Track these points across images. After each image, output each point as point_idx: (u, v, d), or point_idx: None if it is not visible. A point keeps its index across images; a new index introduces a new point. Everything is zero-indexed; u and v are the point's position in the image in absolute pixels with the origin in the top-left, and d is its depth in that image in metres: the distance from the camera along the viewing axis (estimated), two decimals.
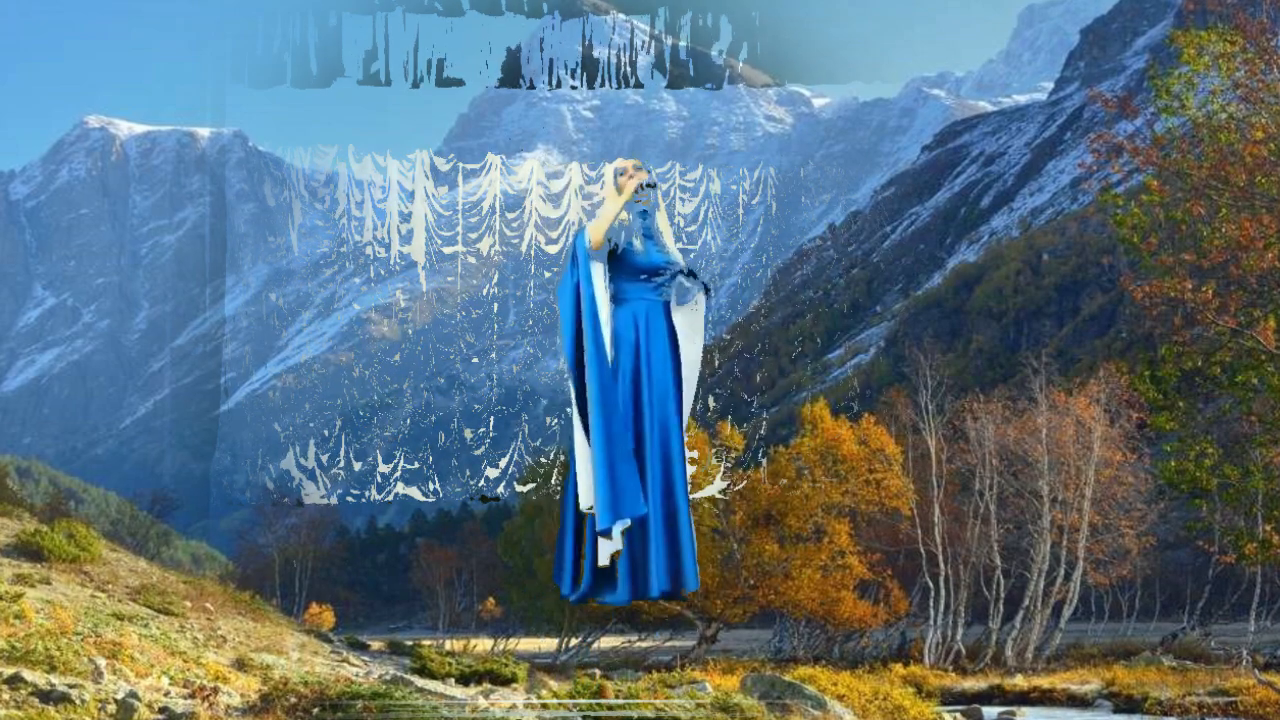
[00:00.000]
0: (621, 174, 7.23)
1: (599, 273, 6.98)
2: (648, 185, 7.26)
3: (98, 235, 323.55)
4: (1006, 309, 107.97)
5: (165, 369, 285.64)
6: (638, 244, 7.11)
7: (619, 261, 7.08)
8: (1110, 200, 17.79)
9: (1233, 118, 16.53)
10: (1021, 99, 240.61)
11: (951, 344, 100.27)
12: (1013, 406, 30.85)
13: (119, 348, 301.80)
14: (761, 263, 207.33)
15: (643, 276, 7.06)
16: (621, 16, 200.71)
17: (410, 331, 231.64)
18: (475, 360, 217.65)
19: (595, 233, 7.05)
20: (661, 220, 7.24)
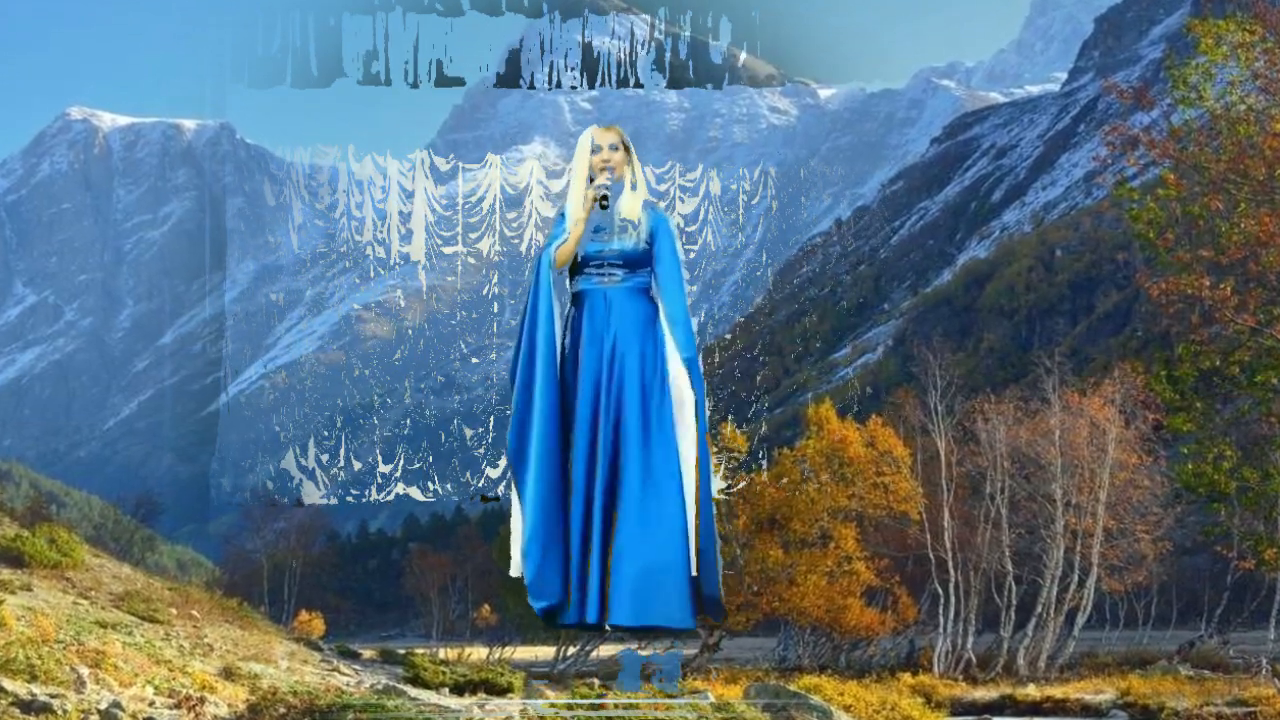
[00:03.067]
0: (596, 151, 6.20)
1: (557, 308, 6.14)
2: (611, 149, 6.20)
3: (80, 230, 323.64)
4: (1018, 307, 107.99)
5: (150, 369, 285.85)
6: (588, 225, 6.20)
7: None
8: (1126, 194, 17.81)
9: (1252, 109, 16.54)
10: (1034, 90, 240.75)
11: (961, 343, 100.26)
12: (1025, 407, 30.83)
13: (102, 346, 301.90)
14: (764, 259, 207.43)
15: (590, 267, 6.18)
16: (622, 16, 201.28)
17: (410, 331, 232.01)
18: (475, 360, 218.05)
19: (562, 256, 6.16)
20: (625, 199, 6.18)
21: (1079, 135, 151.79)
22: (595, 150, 6.15)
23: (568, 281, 6.22)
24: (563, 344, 6.13)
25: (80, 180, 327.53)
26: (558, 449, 6.07)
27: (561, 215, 6.18)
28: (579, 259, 6.12)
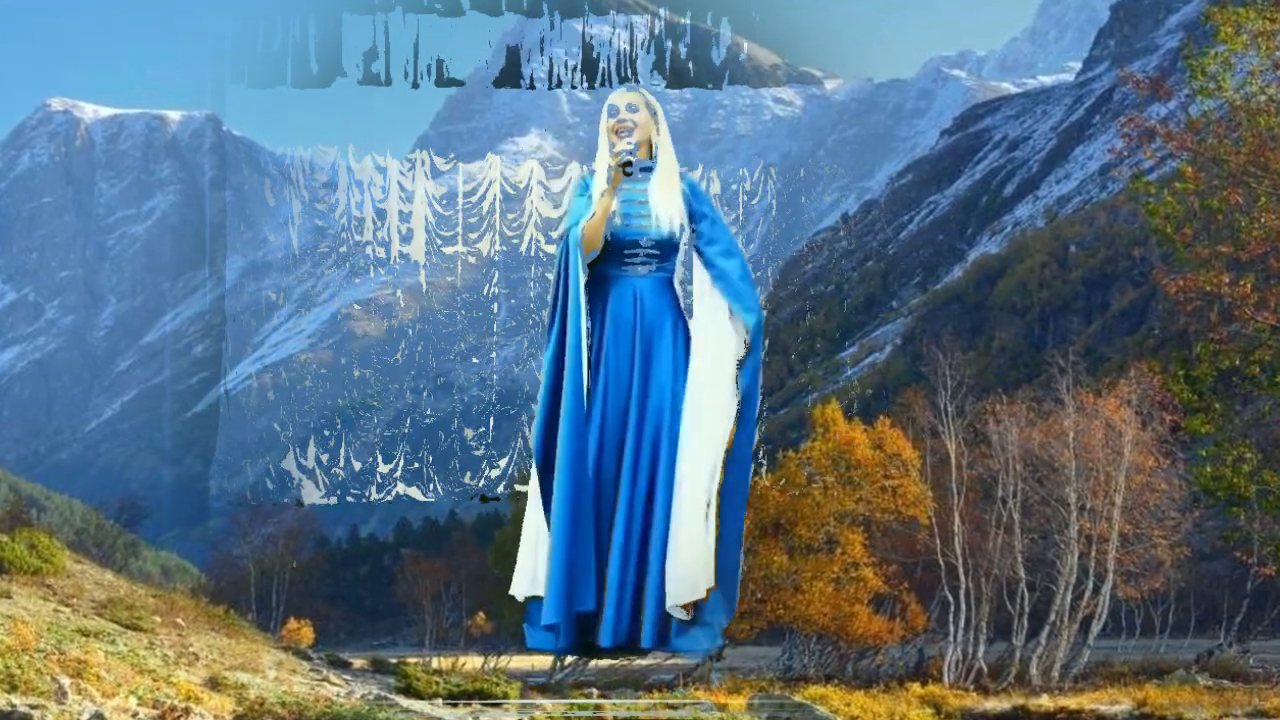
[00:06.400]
0: (613, 114, 5.88)
1: (583, 297, 5.74)
2: (630, 109, 5.88)
3: (61, 225, 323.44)
4: (1031, 304, 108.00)
5: (134, 368, 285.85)
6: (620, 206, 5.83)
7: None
8: (1142, 188, 17.78)
9: (1273, 100, 16.52)
10: (1047, 80, 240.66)
11: (972, 341, 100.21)
12: (1038, 408, 30.82)
13: (84, 345, 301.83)
14: (764, 259, 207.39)
15: (623, 254, 5.84)
16: (622, 16, 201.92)
17: (412, 332, 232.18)
18: (475, 360, 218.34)
19: (594, 234, 5.73)
20: (662, 171, 5.83)
21: (1094, 127, 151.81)
22: (613, 113, 5.88)
23: (603, 266, 5.94)
24: (588, 336, 5.87)
25: (61, 173, 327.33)
26: (586, 461, 5.83)
27: (584, 184, 5.86)
28: (608, 241, 5.79)
